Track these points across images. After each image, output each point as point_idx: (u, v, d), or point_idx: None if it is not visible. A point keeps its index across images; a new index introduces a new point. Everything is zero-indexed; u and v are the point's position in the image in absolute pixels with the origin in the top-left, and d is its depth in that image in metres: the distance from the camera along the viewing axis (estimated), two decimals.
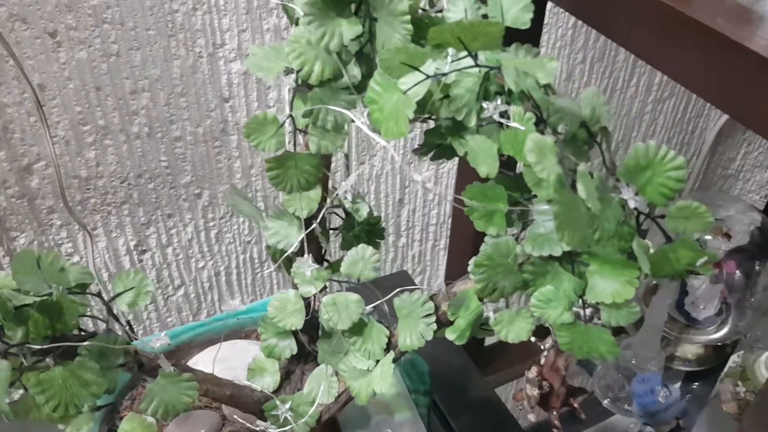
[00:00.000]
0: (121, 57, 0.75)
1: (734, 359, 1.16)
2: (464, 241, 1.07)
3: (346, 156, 0.57)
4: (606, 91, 1.25)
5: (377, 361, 0.53)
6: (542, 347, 1.03)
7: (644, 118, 1.34)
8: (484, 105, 0.43)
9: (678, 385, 1.16)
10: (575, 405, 1.12)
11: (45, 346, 0.42)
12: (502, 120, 0.42)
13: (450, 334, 0.50)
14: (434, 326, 0.50)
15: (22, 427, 0.47)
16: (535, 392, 1.08)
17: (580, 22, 1.10)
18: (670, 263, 0.46)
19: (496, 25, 0.39)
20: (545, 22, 1.06)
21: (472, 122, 0.43)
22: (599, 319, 0.47)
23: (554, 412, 1.10)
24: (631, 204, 0.43)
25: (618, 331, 0.48)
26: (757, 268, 1.17)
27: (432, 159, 0.51)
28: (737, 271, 1.15)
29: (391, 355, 0.52)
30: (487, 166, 0.44)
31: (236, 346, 0.69)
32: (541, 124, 0.41)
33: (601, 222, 0.41)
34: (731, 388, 1.11)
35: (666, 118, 1.39)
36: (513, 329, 0.49)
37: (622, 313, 0.45)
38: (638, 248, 0.43)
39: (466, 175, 0.99)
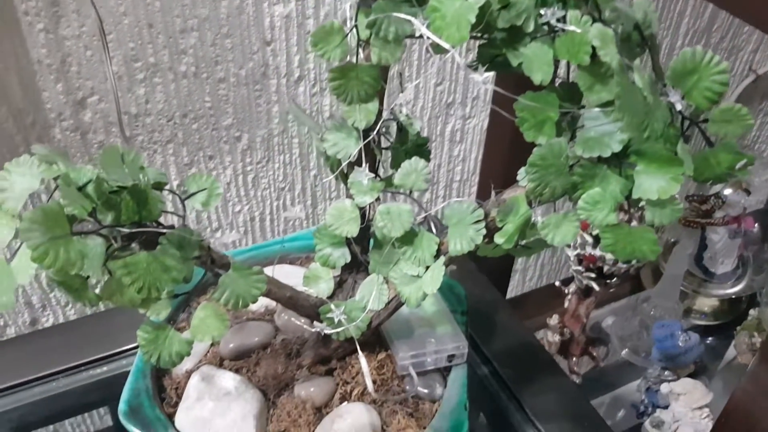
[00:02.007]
0: None
1: (752, 313, 1.20)
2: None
3: (400, 74, 0.60)
4: None
5: (426, 268, 0.56)
6: (566, 291, 1.06)
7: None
8: (542, 11, 0.46)
9: None
10: (594, 353, 1.16)
11: (133, 230, 0.46)
12: (559, 24, 0.45)
13: (499, 238, 0.53)
14: (484, 231, 0.53)
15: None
16: (556, 339, 1.12)
17: None
18: (711, 167, 0.49)
19: None
20: None
21: (530, 27, 0.46)
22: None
23: (573, 359, 1.14)
24: (678, 106, 0.46)
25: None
26: None
27: (487, 70, 0.54)
28: (755, 227, 1.18)
29: (442, 259, 0.55)
30: (542, 73, 0.47)
31: (283, 269, 0.73)
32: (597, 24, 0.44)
33: (652, 117, 0.44)
34: (747, 340, 1.14)
35: None
36: (559, 232, 0.51)
37: (666, 212, 0.48)
38: (682, 150, 0.47)
39: (497, 126, 1.02)
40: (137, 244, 0.47)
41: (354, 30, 0.51)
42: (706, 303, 1.22)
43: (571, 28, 0.44)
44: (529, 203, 0.52)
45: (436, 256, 0.56)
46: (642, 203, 0.49)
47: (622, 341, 1.18)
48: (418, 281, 0.56)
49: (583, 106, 0.50)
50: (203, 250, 0.51)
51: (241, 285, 0.51)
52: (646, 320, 1.15)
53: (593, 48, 0.43)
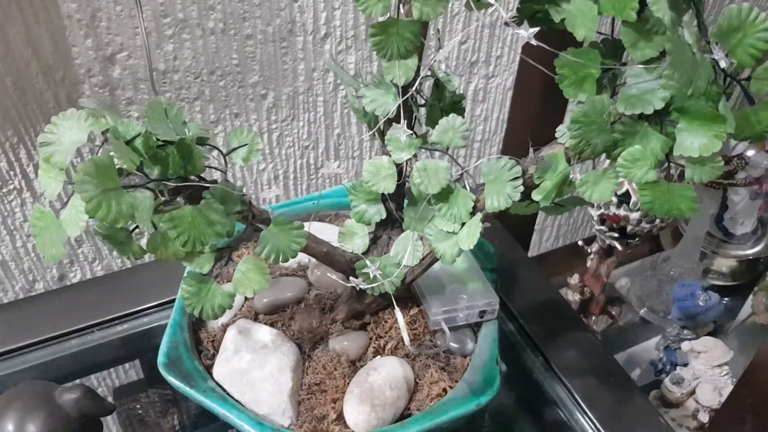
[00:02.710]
0: None
1: None
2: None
3: (438, 30, 0.59)
4: None
5: (462, 225, 0.57)
6: (588, 251, 1.07)
7: None
8: None
9: None
10: (613, 312, 1.17)
11: (179, 184, 0.46)
12: None
13: (537, 195, 0.53)
14: (521, 188, 0.54)
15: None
16: (577, 297, 1.13)
17: None
18: (752, 125, 0.49)
19: None
20: None
21: None
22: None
23: (593, 317, 1.15)
24: (722, 64, 0.46)
25: None
26: None
27: (530, 25, 0.54)
28: None
29: (479, 215, 0.55)
30: (585, 29, 0.47)
31: (314, 225, 0.74)
32: None
33: (698, 74, 0.44)
34: (764, 300, 1.15)
35: None
36: (597, 189, 0.52)
37: (707, 169, 0.48)
38: (724, 108, 0.47)
39: (523, 87, 1.02)
40: (182, 198, 0.48)
41: None
42: (724, 263, 1.22)
43: None
44: (568, 160, 0.53)
45: (472, 213, 0.56)
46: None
47: (641, 300, 1.19)
48: (454, 238, 0.57)
49: (624, 63, 0.51)
50: (245, 205, 0.51)
51: (281, 240, 0.52)
52: (666, 280, 1.16)
53: (640, 3, 0.43)
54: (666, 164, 0.49)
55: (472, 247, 0.55)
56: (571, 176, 0.53)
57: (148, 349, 0.77)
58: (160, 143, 0.45)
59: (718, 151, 0.47)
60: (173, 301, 0.65)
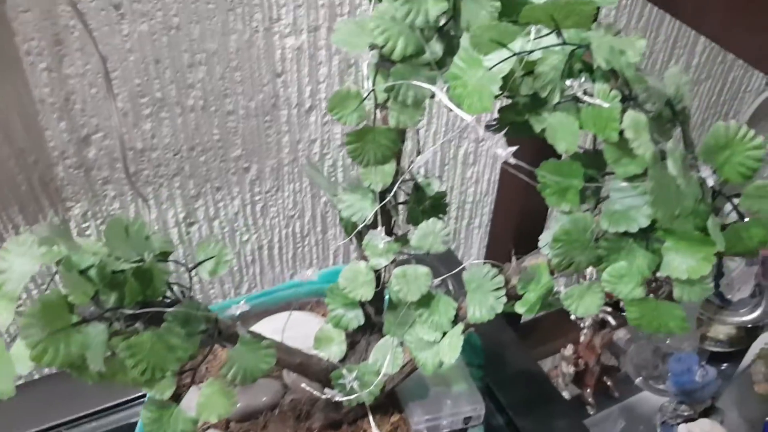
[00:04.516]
0: (181, 30, 0.76)
1: (765, 339, 1.17)
2: (506, 220, 1.08)
3: (418, 132, 0.57)
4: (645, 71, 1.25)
5: (444, 333, 0.54)
6: (582, 325, 1.04)
7: None
8: (568, 83, 0.43)
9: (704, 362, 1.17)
10: (608, 383, 1.14)
11: (137, 311, 0.44)
12: (586, 98, 0.43)
13: (520, 308, 0.51)
14: (504, 299, 0.51)
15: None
16: (571, 369, 1.10)
17: (623, 3, 1.09)
18: (743, 241, 0.46)
19: (589, 3, 0.39)
20: None
21: (556, 99, 0.44)
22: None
23: (588, 389, 1.12)
24: (710, 182, 0.44)
25: None
26: None
27: (507, 135, 0.52)
28: None
29: (461, 326, 0.53)
30: (566, 142, 0.45)
31: (293, 316, 0.71)
32: (626, 101, 0.42)
33: (684, 199, 0.42)
34: (764, 370, 1.12)
35: (701, 100, 1.39)
36: (583, 303, 0.49)
37: (696, 290, 0.46)
38: (713, 226, 0.44)
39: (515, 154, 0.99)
40: (141, 323, 0.45)
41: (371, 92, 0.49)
42: (721, 330, 1.19)
43: (599, 102, 0.42)
44: (551, 272, 0.50)
45: (454, 322, 0.54)
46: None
47: (637, 369, 1.16)
48: (435, 347, 0.54)
49: (609, 173, 0.48)
50: (210, 323, 0.49)
51: (249, 359, 0.49)
52: (662, 348, 1.13)
53: None
54: (654, 281, 0.47)
55: (453, 361, 0.52)
56: (555, 288, 0.51)
57: None
58: (116, 270, 0.43)
59: (707, 274, 0.45)
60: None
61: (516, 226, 1.06)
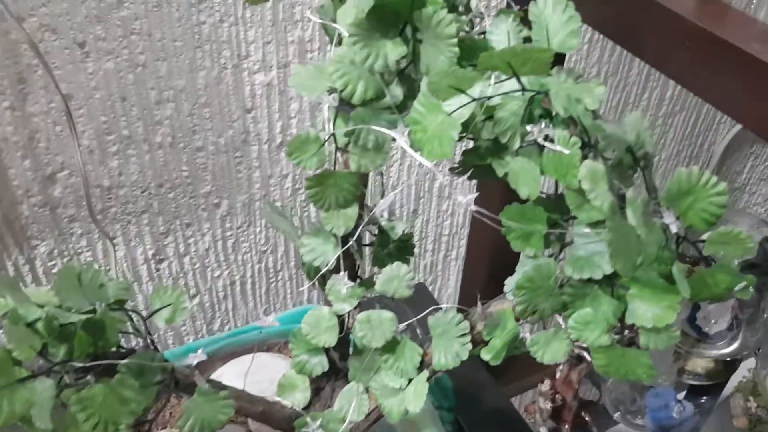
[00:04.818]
0: (147, 67, 0.75)
1: (743, 373, 1.17)
2: (481, 253, 1.07)
3: (381, 174, 0.57)
4: (618, 104, 1.26)
5: (410, 380, 0.53)
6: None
7: (655, 131, 1.35)
8: (528, 128, 0.43)
9: (682, 395, 1.17)
10: (586, 418, 1.13)
11: (87, 364, 0.42)
12: (546, 144, 0.42)
13: (486, 354, 0.50)
14: (469, 346, 0.51)
15: None
16: (548, 405, 1.08)
17: (595, 37, 1.10)
18: (708, 287, 0.46)
19: (546, 51, 0.39)
20: None
21: (516, 145, 0.43)
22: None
23: (566, 425, 1.11)
24: (673, 229, 0.43)
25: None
26: None
27: (470, 178, 0.52)
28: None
29: (425, 373, 0.52)
30: (528, 188, 0.44)
31: (260, 359, 0.69)
32: (586, 148, 0.41)
33: (646, 248, 0.41)
34: (742, 403, 1.11)
35: (676, 131, 1.39)
36: (549, 350, 0.49)
37: (662, 337, 0.45)
38: (678, 273, 0.44)
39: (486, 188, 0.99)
40: (92, 376, 0.44)
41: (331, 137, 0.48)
42: (699, 364, 1.19)
43: (559, 148, 0.41)
44: (517, 319, 0.50)
45: (420, 368, 0.53)
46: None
47: (615, 403, 1.15)
48: (401, 394, 0.53)
49: (573, 217, 0.48)
50: (166, 373, 0.47)
51: (206, 410, 0.48)
52: (639, 383, 1.12)
53: None
54: (621, 329, 0.47)
55: (418, 410, 0.51)
56: (521, 335, 0.50)
57: None
58: (65, 323, 0.41)
59: (673, 322, 0.44)
60: None
61: (490, 259, 1.05)
